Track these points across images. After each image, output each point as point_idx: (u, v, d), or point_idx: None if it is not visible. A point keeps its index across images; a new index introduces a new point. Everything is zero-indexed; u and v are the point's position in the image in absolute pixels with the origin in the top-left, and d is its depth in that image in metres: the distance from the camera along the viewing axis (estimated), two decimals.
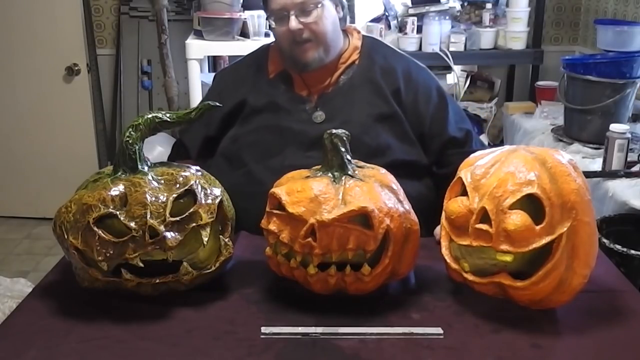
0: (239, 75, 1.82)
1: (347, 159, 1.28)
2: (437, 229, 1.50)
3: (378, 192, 1.23)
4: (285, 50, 1.70)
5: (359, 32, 1.83)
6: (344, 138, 1.29)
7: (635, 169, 2.42)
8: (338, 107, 1.71)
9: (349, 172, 1.26)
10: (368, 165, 1.34)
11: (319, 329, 1.16)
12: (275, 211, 1.24)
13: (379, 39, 1.92)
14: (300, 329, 1.16)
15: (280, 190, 1.23)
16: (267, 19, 1.74)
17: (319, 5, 1.64)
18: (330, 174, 1.26)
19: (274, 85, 1.76)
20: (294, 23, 1.62)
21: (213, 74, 3.62)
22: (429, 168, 1.75)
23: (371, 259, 1.22)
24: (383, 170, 1.33)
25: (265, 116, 1.72)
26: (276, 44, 1.77)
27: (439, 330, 1.16)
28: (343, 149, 1.28)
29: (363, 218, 1.19)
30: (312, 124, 1.70)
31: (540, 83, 3.58)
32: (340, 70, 1.74)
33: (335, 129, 1.30)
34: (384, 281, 1.26)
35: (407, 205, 1.28)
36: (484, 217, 1.17)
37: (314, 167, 1.32)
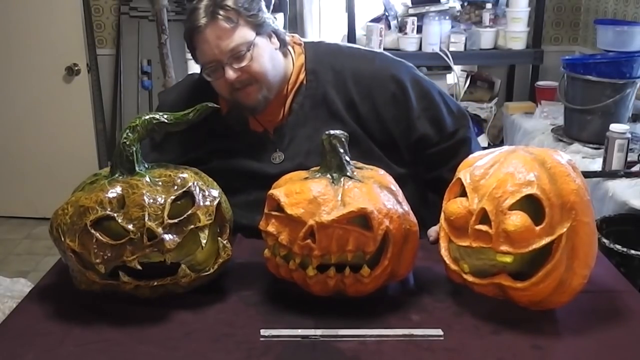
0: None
1: (346, 160, 1.27)
2: (431, 230, 1.49)
3: (377, 193, 1.23)
4: (228, 99, 1.60)
5: (300, 43, 1.69)
6: (343, 139, 1.28)
7: (635, 169, 2.42)
8: (296, 141, 1.63)
9: (348, 173, 1.25)
10: (367, 166, 1.33)
11: (319, 331, 1.16)
12: (273, 213, 1.23)
13: (320, 40, 1.74)
14: (299, 332, 1.16)
15: (279, 191, 1.23)
16: (200, 72, 1.60)
17: (251, 47, 1.51)
18: (328, 175, 1.25)
19: (228, 125, 1.65)
20: (230, 72, 1.50)
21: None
22: (409, 174, 1.65)
23: (370, 260, 1.21)
24: (382, 172, 1.32)
25: (224, 159, 1.64)
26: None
27: (439, 331, 1.16)
28: (342, 150, 1.27)
29: (362, 219, 1.18)
30: (272, 164, 1.63)
31: (540, 83, 3.58)
32: (290, 97, 1.64)
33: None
34: (383, 282, 1.25)
35: (406, 207, 1.28)
36: (484, 218, 1.17)
37: (312, 169, 1.31)
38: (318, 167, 1.30)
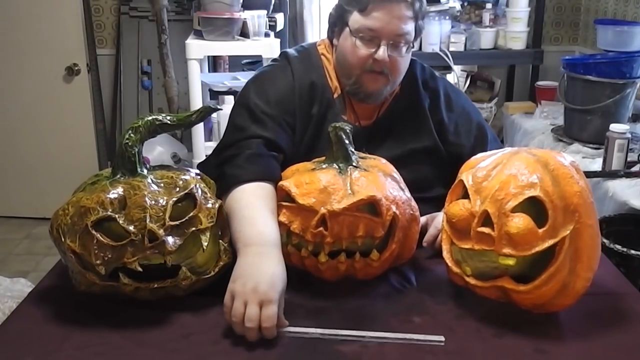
0: (312, 89, 1.59)
1: (351, 151, 1.33)
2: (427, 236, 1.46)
3: (382, 181, 1.29)
4: (351, 74, 1.55)
5: None
6: (348, 131, 1.33)
7: (635, 169, 2.42)
8: (380, 143, 1.60)
9: (354, 163, 1.31)
10: (369, 156, 1.40)
11: (320, 333, 1.15)
12: (284, 203, 1.29)
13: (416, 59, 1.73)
14: (300, 334, 1.15)
15: (289, 182, 1.28)
16: (350, 33, 1.52)
17: (409, 46, 1.54)
18: (335, 166, 1.31)
19: (337, 111, 1.59)
20: (382, 53, 1.49)
21: (216, 73, 3.62)
22: None
23: (379, 244, 1.27)
24: (384, 161, 1.39)
25: (322, 147, 1.52)
26: (338, 62, 1.59)
27: (441, 337, 1.14)
28: (347, 141, 1.32)
29: (370, 206, 1.24)
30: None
31: (540, 83, 3.58)
32: (387, 104, 1.63)
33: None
34: (390, 265, 1.32)
35: (408, 193, 1.34)
36: (486, 220, 1.16)
37: (316, 160, 1.37)
38: (323, 158, 1.35)
